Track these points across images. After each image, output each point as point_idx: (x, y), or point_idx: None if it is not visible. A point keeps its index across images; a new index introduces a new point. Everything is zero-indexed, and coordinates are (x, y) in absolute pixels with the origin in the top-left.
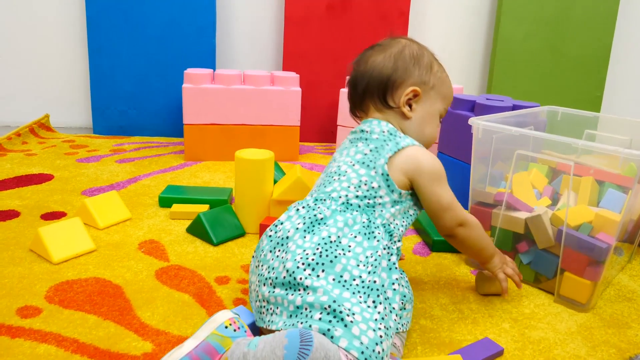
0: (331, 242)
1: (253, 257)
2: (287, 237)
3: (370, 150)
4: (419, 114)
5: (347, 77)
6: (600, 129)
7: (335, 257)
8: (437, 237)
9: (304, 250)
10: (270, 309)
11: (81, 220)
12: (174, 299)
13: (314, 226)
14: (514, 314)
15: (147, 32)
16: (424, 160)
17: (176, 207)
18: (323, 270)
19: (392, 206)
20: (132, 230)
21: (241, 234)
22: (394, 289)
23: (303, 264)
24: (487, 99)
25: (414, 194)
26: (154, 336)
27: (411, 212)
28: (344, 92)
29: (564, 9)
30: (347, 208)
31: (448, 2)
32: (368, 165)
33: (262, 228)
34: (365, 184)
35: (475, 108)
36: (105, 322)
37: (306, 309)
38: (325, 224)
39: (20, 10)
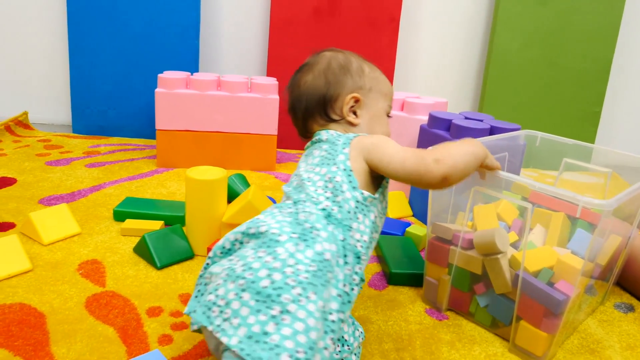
0: (325, 260)
1: (219, 246)
2: (277, 241)
3: (326, 151)
4: (365, 118)
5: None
6: (580, 158)
7: (327, 280)
8: (395, 270)
9: (297, 264)
10: (227, 313)
11: (26, 233)
12: (96, 333)
13: (305, 236)
14: None
15: (129, 31)
16: (365, 139)
17: (128, 223)
18: (315, 293)
19: (356, 206)
20: (76, 248)
21: (189, 256)
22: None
23: (294, 280)
24: (465, 118)
25: (376, 199)
26: None
27: (373, 216)
28: None
29: (564, 20)
30: (329, 216)
31: (442, 10)
32: (327, 164)
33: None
34: (330, 181)
35: (450, 128)
36: (15, 358)
37: (274, 340)
38: (317, 233)
39: (2, 6)
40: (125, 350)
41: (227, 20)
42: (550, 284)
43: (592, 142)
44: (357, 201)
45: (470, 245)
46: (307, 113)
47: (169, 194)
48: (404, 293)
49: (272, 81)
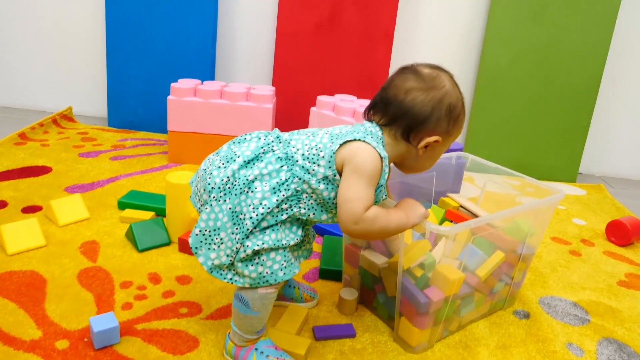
0: (247, 179)
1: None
2: (229, 159)
3: (346, 132)
4: (429, 154)
5: (382, 87)
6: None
7: (241, 192)
8: (324, 266)
9: (232, 175)
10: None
11: (48, 216)
12: (79, 297)
13: (252, 161)
14: (345, 347)
15: (157, 41)
16: (360, 154)
17: (126, 213)
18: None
19: (320, 181)
20: (83, 230)
21: (166, 243)
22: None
23: (222, 186)
24: None
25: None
26: (46, 326)
27: (330, 209)
28: (314, 110)
29: (554, 36)
30: (286, 159)
31: (437, 26)
32: (332, 140)
33: (180, 241)
34: (316, 148)
35: None
36: (19, 310)
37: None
38: (258, 162)
39: (52, 15)
40: (96, 311)
41: (240, 32)
42: (428, 286)
43: (580, 155)
44: (325, 177)
45: (372, 249)
46: (396, 120)
47: None
48: (329, 286)
49: (269, 91)
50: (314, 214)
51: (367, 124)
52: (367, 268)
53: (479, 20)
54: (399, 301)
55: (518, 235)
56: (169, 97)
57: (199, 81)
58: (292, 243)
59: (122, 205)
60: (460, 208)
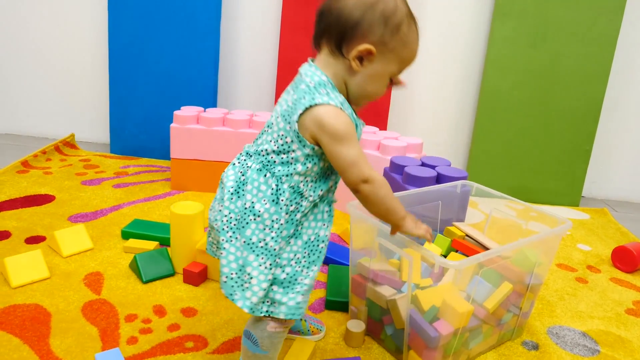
0: (245, 208)
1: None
2: (222, 199)
3: (292, 102)
4: (368, 71)
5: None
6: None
7: (247, 222)
8: (330, 297)
9: (230, 213)
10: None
11: (52, 246)
12: (84, 332)
13: (239, 189)
14: None
15: (159, 67)
16: (326, 121)
17: (130, 242)
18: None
19: (305, 162)
20: (87, 261)
21: (171, 273)
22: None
23: (227, 226)
24: (422, 164)
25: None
26: None
27: (328, 173)
28: None
29: (554, 61)
30: (264, 167)
31: (438, 51)
32: (286, 119)
33: (185, 272)
34: (281, 138)
35: (403, 174)
36: (23, 345)
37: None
38: (245, 186)
39: (55, 42)
40: (101, 346)
41: (242, 59)
42: (437, 319)
43: (583, 179)
44: (307, 155)
45: (377, 281)
46: (325, 31)
47: None
48: (335, 317)
49: None
50: (321, 189)
51: (306, 72)
52: (375, 300)
53: (479, 46)
54: (407, 334)
55: (526, 265)
56: (172, 125)
57: (202, 108)
58: (327, 226)
59: (125, 235)
60: (466, 237)
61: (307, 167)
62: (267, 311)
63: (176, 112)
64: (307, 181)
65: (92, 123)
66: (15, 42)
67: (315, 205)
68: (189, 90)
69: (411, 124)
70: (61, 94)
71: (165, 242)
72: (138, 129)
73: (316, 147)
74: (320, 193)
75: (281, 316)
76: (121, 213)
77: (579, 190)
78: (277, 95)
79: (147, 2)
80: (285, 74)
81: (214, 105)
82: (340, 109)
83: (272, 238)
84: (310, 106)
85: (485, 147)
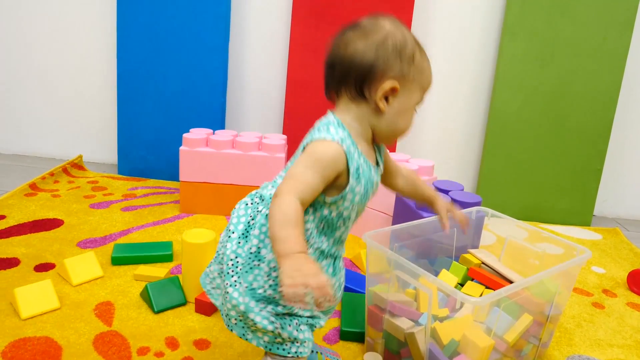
0: (251, 252)
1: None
2: (229, 237)
3: (298, 151)
4: (395, 108)
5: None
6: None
7: (251, 268)
8: (345, 328)
9: (236, 257)
10: (212, 284)
11: (61, 274)
12: None
13: (247, 232)
14: None
15: (167, 89)
16: (312, 145)
17: (140, 270)
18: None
19: (311, 211)
20: (97, 290)
21: (182, 303)
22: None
23: (232, 270)
24: (435, 187)
25: (332, 202)
26: None
27: (335, 225)
28: None
29: (564, 80)
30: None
31: (446, 70)
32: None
33: (197, 302)
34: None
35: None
36: None
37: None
38: (252, 231)
39: (63, 62)
40: None
41: (250, 80)
42: (457, 353)
43: (594, 198)
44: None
45: (394, 313)
46: (344, 79)
47: None
48: (351, 349)
49: (281, 140)
50: (327, 241)
51: (324, 117)
52: (392, 332)
53: (489, 65)
54: None
55: (546, 296)
56: (181, 148)
57: (211, 131)
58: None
59: (116, 261)
60: (482, 265)
61: (315, 216)
62: (291, 350)
63: (185, 135)
64: (313, 231)
65: (100, 144)
66: (23, 62)
67: (323, 256)
68: (197, 111)
69: (420, 143)
70: (69, 115)
71: (159, 260)
72: (146, 150)
73: (319, 197)
74: (325, 246)
75: (300, 349)
76: (130, 238)
77: (590, 210)
78: (286, 116)
79: (155, 24)
80: (294, 94)
81: (222, 126)
82: (334, 141)
83: (270, 286)
84: (308, 143)
85: (495, 166)
